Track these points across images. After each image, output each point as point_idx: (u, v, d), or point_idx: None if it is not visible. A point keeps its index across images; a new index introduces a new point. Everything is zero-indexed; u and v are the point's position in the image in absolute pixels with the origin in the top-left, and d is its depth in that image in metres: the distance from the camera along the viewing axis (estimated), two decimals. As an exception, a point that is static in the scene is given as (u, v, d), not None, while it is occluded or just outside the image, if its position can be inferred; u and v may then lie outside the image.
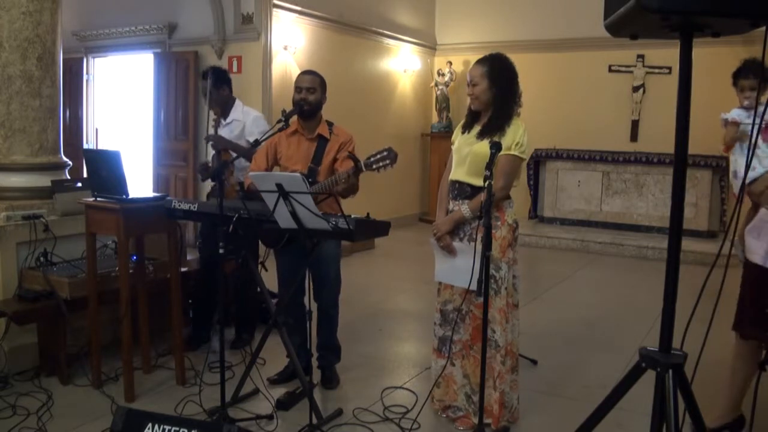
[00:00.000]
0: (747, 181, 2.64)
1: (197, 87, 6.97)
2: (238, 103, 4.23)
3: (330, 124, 3.39)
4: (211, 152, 4.07)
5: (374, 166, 2.95)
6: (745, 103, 2.72)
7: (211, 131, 4.18)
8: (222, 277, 3.07)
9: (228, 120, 4.15)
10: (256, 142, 3.12)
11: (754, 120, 2.27)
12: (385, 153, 2.94)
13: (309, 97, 3.29)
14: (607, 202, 8.20)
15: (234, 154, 3.82)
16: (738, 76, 2.77)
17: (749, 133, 2.68)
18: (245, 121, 4.13)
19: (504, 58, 2.94)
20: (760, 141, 2.66)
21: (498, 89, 2.87)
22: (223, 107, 4.16)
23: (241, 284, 4.11)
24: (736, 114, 2.73)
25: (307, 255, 2.97)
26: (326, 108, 3.43)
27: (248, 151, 3.95)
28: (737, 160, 2.73)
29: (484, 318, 2.56)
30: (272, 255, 3.48)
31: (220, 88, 4.12)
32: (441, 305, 3.06)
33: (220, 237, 2.87)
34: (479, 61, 2.93)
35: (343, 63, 7.75)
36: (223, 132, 4.09)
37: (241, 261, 3.95)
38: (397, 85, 9.08)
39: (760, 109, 2.67)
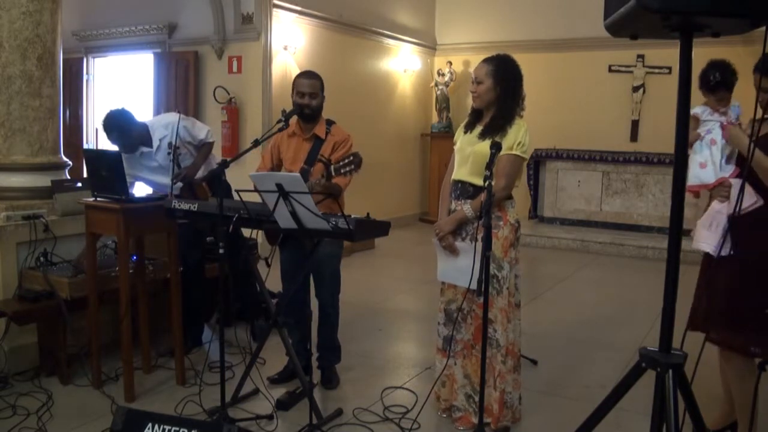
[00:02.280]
0: (701, 181, 2.67)
1: (197, 87, 6.99)
2: (152, 124, 3.90)
3: (329, 124, 3.39)
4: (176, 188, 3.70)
5: (342, 171, 2.97)
6: (721, 117, 2.77)
7: (149, 164, 3.88)
8: (223, 278, 3.06)
9: (155, 145, 3.83)
10: (256, 142, 3.12)
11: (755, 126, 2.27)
12: (351, 158, 2.97)
13: (312, 103, 3.30)
14: (607, 202, 8.20)
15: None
16: (709, 90, 2.79)
17: (706, 131, 2.71)
18: (177, 129, 3.78)
19: (511, 59, 2.94)
20: (718, 138, 2.67)
21: (502, 89, 2.87)
22: (145, 139, 3.85)
23: (236, 281, 4.13)
24: (698, 110, 2.75)
25: (308, 255, 2.97)
26: (326, 108, 3.43)
27: (207, 155, 4.02)
28: (695, 151, 2.74)
29: (484, 318, 2.56)
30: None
31: (129, 133, 3.75)
32: (444, 305, 3.06)
33: (220, 237, 2.87)
34: (486, 60, 2.93)
35: (343, 63, 7.75)
36: (161, 157, 3.83)
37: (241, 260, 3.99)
38: (397, 85, 9.08)
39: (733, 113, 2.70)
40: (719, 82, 2.71)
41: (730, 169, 2.65)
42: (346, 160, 2.96)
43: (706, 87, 2.75)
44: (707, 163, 2.67)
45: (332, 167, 2.98)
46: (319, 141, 3.33)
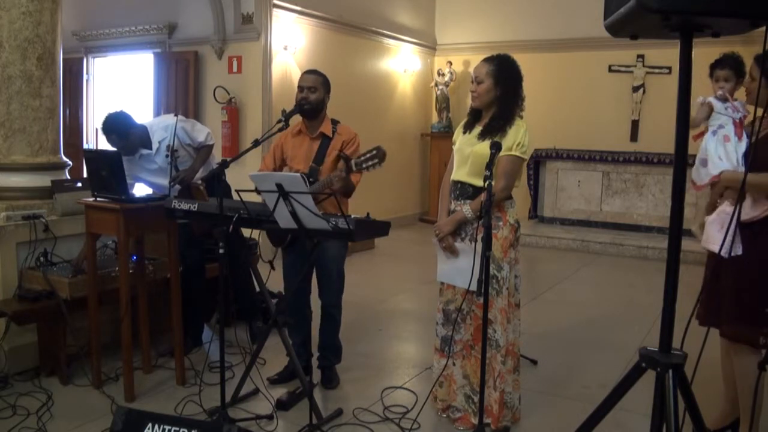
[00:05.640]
0: (714, 173, 2.66)
1: (197, 87, 6.99)
2: (151, 125, 3.87)
3: (335, 123, 3.39)
4: (174, 190, 3.69)
5: (364, 166, 2.95)
6: (719, 93, 2.74)
7: (149, 166, 3.87)
8: (223, 278, 3.05)
9: (155, 147, 3.81)
10: (256, 142, 3.12)
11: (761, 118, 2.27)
12: (374, 152, 2.94)
13: (310, 97, 3.29)
14: (607, 202, 8.20)
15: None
16: (715, 67, 2.80)
17: (719, 125, 2.69)
18: (176, 131, 3.75)
19: (511, 60, 2.93)
20: (731, 135, 2.67)
21: (502, 90, 2.87)
22: (144, 141, 3.83)
23: (236, 282, 4.14)
24: (712, 100, 2.74)
25: (308, 255, 2.98)
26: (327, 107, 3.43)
27: (206, 157, 4.00)
28: (708, 148, 2.73)
29: (484, 318, 2.56)
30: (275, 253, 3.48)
31: (128, 136, 3.72)
32: (443, 305, 3.06)
33: (221, 237, 2.88)
34: (486, 60, 2.93)
35: (343, 63, 7.75)
36: (160, 159, 3.85)
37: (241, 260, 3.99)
38: (397, 85, 9.08)
39: (735, 104, 2.70)
40: (717, 60, 2.73)
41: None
42: (369, 155, 2.95)
43: (713, 65, 2.75)
44: (724, 159, 2.66)
45: (353, 162, 2.97)
46: (327, 139, 3.33)
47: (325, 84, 3.37)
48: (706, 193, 2.96)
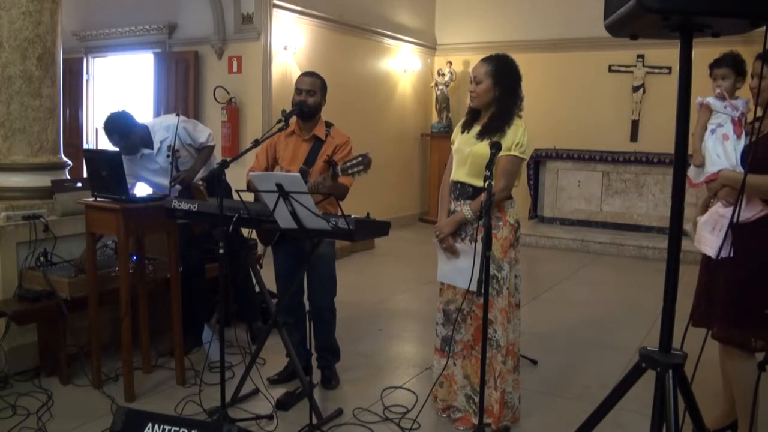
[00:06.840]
0: (712, 171, 2.64)
1: (197, 87, 6.99)
2: (152, 125, 3.87)
3: (329, 126, 3.39)
4: (174, 190, 3.70)
5: (349, 171, 2.95)
6: (717, 91, 2.74)
7: (150, 166, 3.87)
8: (223, 278, 3.05)
9: (156, 147, 3.81)
10: (256, 142, 3.12)
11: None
12: (360, 159, 2.95)
13: (308, 100, 3.29)
14: (607, 202, 8.20)
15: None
16: (713, 66, 2.80)
17: (717, 124, 2.69)
18: (177, 131, 3.74)
19: (510, 60, 2.93)
20: (731, 133, 2.66)
21: (501, 90, 2.87)
22: (146, 140, 3.83)
23: (235, 282, 4.15)
24: (711, 100, 2.74)
25: (308, 255, 2.97)
26: (326, 108, 3.43)
27: (207, 158, 4.01)
28: (708, 146, 2.72)
29: (484, 318, 2.56)
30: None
31: (130, 135, 3.72)
32: (443, 305, 3.06)
33: (221, 237, 2.88)
34: (485, 59, 2.92)
35: (343, 63, 7.75)
36: (161, 159, 3.82)
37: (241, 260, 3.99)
38: (397, 85, 9.08)
39: (737, 102, 2.69)
40: (716, 59, 2.72)
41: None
42: (355, 161, 2.94)
43: (712, 65, 2.75)
44: (722, 158, 2.66)
45: (339, 167, 2.97)
46: (320, 142, 3.33)
47: (322, 87, 3.36)
48: (702, 195, 2.96)
